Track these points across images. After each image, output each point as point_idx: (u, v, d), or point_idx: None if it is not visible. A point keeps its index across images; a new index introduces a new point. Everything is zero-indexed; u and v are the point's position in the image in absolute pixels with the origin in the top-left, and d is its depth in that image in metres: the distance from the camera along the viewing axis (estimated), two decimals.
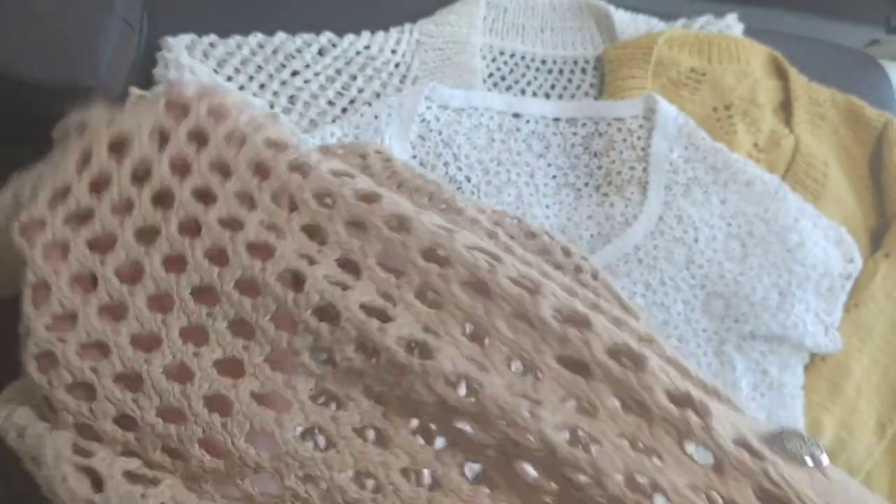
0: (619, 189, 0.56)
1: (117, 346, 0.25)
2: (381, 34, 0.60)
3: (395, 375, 0.24)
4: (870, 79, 0.68)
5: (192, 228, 0.26)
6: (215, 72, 0.55)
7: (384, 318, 0.25)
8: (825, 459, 0.24)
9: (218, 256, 0.26)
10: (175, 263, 0.26)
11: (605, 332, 0.24)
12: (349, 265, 0.26)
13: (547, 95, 0.61)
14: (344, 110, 0.57)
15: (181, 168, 0.27)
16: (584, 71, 0.62)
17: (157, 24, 0.56)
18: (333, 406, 0.25)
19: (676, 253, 0.54)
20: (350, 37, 0.58)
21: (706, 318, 0.54)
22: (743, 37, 0.63)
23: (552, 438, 0.23)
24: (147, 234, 0.26)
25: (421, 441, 0.25)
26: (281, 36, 0.57)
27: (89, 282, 0.26)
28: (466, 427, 0.24)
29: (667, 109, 0.56)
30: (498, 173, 0.56)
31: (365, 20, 0.60)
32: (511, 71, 0.62)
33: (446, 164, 0.55)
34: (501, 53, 0.62)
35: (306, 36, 0.58)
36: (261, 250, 0.26)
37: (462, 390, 0.24)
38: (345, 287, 0.25)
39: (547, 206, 0.56)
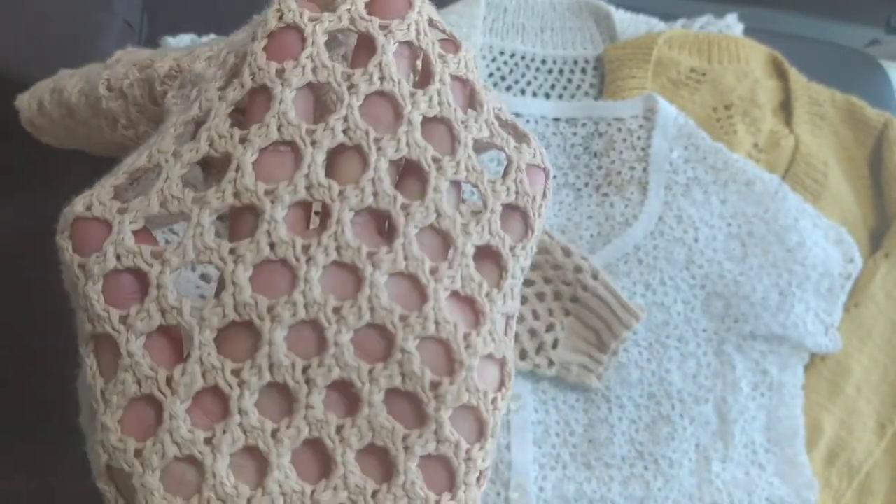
0: (619, 189, 0.56)
1: None
2: None
3: None
4: (870, 79, 0.68)
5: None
6: None
7: None
8: None
9: None
10: None
11: None
12: None
13: (547, 95, 0.61)
14: None
15: None
16: (584, 71, 0.62)
17: (157, 24, 0.56)
18: None
19: (676, 253, 0.54)
20: None
21: (706, 318, 0.54)
22: (743, 37, 0.63)
23: None
24: None
25: None
26: None
27: None
28: None
29: (667, 109, 0.56)
30: None
31: None
32: (511, 71, 0.62)
33: None
34: (501, 53, 0.62)
35: None
36: None
37: None
38: None
39: None
